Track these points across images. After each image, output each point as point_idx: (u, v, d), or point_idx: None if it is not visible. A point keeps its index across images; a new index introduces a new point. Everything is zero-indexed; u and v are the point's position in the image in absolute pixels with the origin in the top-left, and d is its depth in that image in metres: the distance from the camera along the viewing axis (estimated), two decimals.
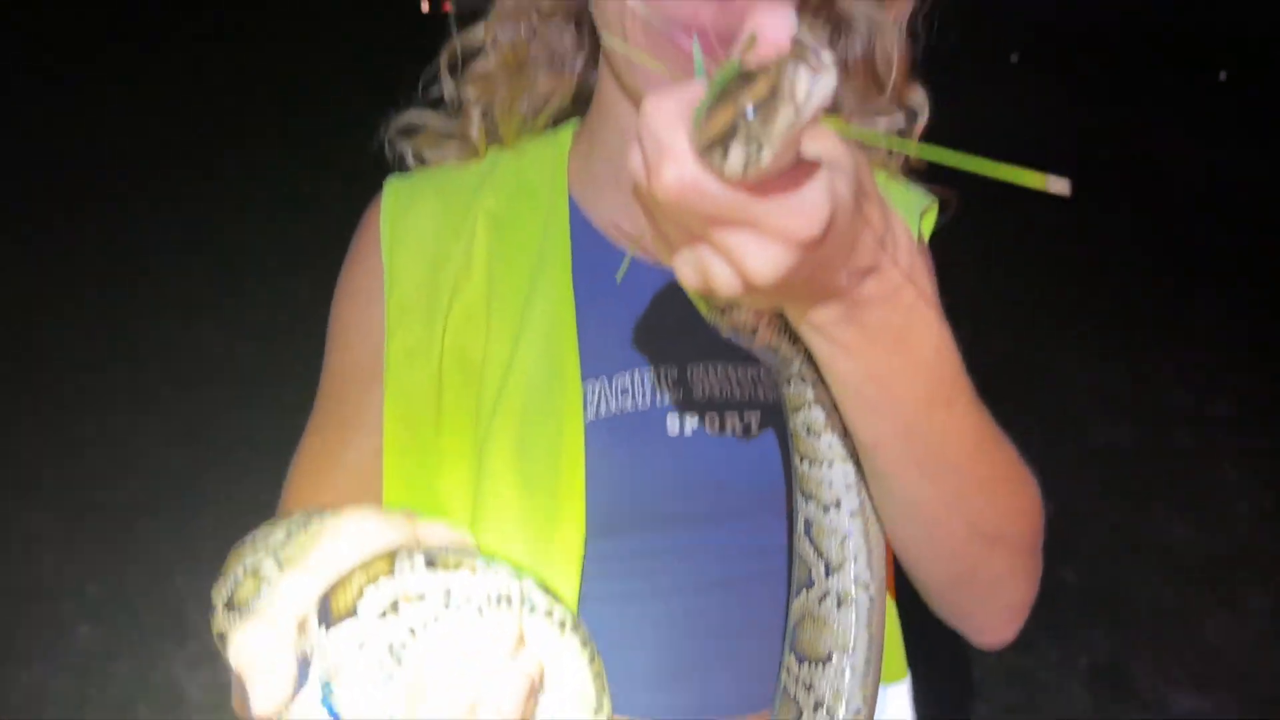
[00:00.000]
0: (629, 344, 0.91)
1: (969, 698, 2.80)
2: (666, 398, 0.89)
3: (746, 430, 0.89)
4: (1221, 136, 9.84)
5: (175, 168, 7.91)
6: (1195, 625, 3.06)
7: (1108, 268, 6.25)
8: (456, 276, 0.91)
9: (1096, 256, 6.41)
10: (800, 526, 0.77)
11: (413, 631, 0.51)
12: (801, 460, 0.76)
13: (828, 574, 0.74)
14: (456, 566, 0.53)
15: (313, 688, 0.49)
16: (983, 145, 0.50)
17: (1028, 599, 0.84)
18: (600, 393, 0.89)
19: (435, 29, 1.03)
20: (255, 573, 0.62)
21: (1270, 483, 3.81)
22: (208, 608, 0.67)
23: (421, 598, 0.52)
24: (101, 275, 6.05)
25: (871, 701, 0.74)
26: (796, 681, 0.75)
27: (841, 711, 0.72)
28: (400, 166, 1.02)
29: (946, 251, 0.97)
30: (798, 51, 0.41)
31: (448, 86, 0.99)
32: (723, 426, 0.88)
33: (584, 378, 0.88)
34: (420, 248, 0.93)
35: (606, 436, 0.87)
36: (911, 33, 0.93)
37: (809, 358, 0.70)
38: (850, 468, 0.73)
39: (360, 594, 0.51)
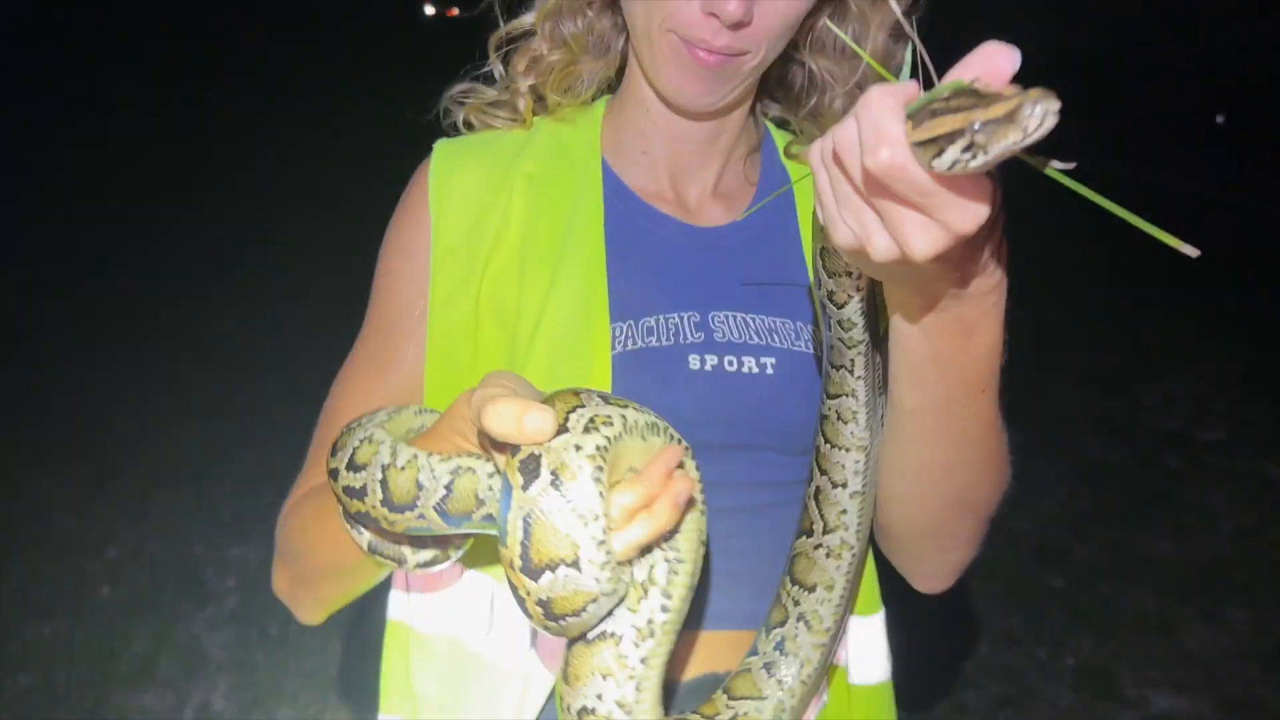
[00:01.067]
0: (655, 291, 1.02)
1: (962, 689, 2.92)
2: (688, 338, 0.99)
3: (762, 371, 1.00)
4: (1206, 167, 10.08)
5: (198, 168, 8.06)
6: (1176, 633, 3.19)
7: (1107, 298, 6.41)
8: (496, 230, 1.02)
9: (1093, 287, 6.57)
10: (811, 489, 0.95)
11: (609, 440, 0.68)
12: (825, 441, 0.93)
13: (824, 532, 0.93)
14: (623, 404, 0.71)
15: (542, 479, 0.65)
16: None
17: (971, 558, 1.01)
18: (627, 332, 0.99)
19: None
20: (370, 439, 0.79)
21: (1253, 504, 3.96)
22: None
23: (609, 421, 0.69)
24: (126, 260, 6.20)
25: (840, 624, 0.95)
26: (789, 596, 0.95)
27: (816, 626, 0.92)
28: (452, 132, 1.12)
29: None
30: (1039, 92, 0.53)
31: (497, 68, 1.09)
32: (740, 366, 0.99)
33: (612, 320, 0.98)
34: (464, 203, 1.03)
35: (632, 368, 0.97)
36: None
37: (872, 345, 0.85)
38: (862, 457, 0.91)
39: (567, 413, 0.67)
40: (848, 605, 0.95)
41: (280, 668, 2.89)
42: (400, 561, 0.87)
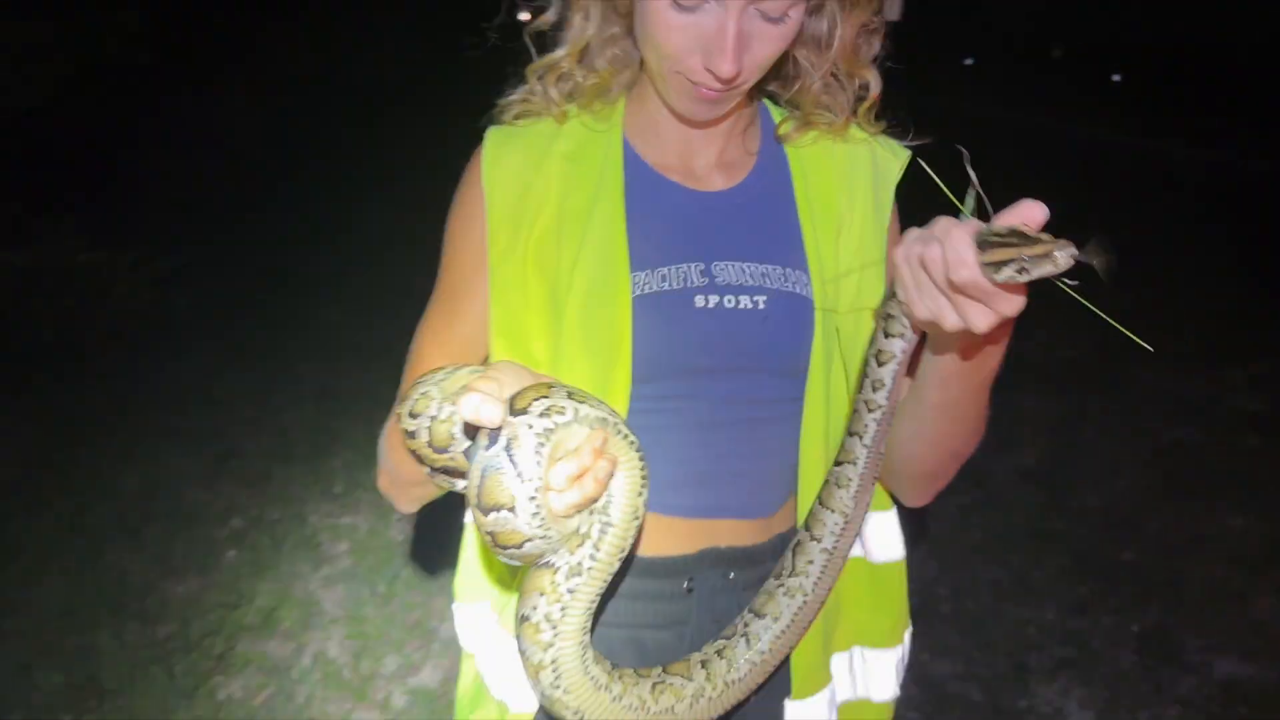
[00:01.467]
0: (666, 245, 1.21)
1: (1025, 651, 3.05)
2: (695, 282, 1.19)
3: (755, 307, 1.19)
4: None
5: (312, 177, 8.50)
6: (1245, 604, 3.25)
7: (1194, 280, 6.37)
8: (538, 201, 1.22)
9: (1176, 268, 6.52)
10: (793, 540, 1.18)
11: (556, 426, 0.89)
12: (819, 501, 1.16)
13: (789, 575, 1.16)
14: (582, 400, 0.92)
15: (499, 445, 0.87)
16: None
17: (944, 486, 1.27)
18: (645, 279, 1.18)
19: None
20: (426, 395, 1.03)
21: None
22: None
23: (562, 411, 0.90)
24: (247, 260, 6.62)
25: (777, 652, 1.16)
26: (742, 618, 1.17)
27: (754, 645, 1.15)
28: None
29: None
30: (1064, 242, 0.85)
31: (537, 91, 1.28)
32: (737, 304, 1.19)
33: (632, 270, 1.18)
34: (511, 180, 1.23)
35: (649, 308, 1.16)
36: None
37: (887, 415, 1.11)
38: (842, 520, 1.15)
39: (531, 401, 0.89)
40: (791, 637, 1.17)
41: (388, 620, 3.17)
42: (453, 487, 1.09)
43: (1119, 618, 3.20)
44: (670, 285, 1.18)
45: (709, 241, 1.21)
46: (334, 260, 6.82)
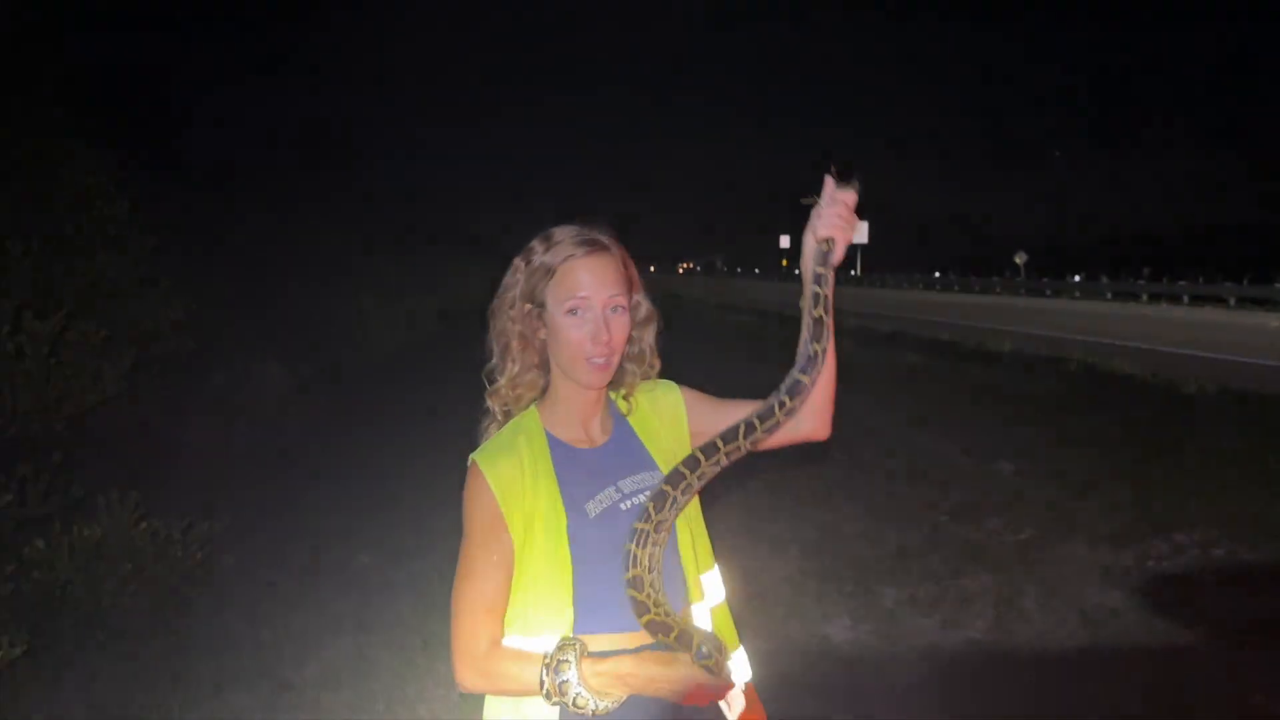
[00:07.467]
0: (596, 482, 1.90)
1: None
2: (616, 498, 1.89)
3: (642, 499, 1.89)
4: None
5: (339, 442, 9.35)
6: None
7: (1119, 469, 7.05)
8: (518, 483, 1.84)
9: (1109, 459, 7.20)
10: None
11: None
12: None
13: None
14: None
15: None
16: None
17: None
18: (593, 505, 1.86)
19: None
20: (567, 682, 1.73)
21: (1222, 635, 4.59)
22: None
23: None
24: (280, 519, 7.37)
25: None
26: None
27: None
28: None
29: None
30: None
31: (497, 410, 2.05)
32: (634, 501, 1.90)
33: (567, 509, 1.85)
34: (502, 478, 1.83)
35: (601, 520, 1.86)
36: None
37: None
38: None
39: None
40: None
41: None
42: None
43: None
44: (607, 505, 1.93)
45: (612, 472, 1.98)
46: (360, 513, 7.63)
